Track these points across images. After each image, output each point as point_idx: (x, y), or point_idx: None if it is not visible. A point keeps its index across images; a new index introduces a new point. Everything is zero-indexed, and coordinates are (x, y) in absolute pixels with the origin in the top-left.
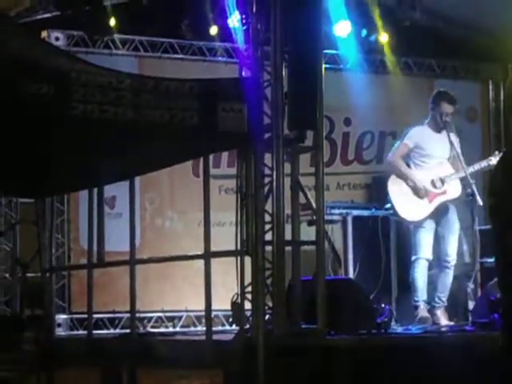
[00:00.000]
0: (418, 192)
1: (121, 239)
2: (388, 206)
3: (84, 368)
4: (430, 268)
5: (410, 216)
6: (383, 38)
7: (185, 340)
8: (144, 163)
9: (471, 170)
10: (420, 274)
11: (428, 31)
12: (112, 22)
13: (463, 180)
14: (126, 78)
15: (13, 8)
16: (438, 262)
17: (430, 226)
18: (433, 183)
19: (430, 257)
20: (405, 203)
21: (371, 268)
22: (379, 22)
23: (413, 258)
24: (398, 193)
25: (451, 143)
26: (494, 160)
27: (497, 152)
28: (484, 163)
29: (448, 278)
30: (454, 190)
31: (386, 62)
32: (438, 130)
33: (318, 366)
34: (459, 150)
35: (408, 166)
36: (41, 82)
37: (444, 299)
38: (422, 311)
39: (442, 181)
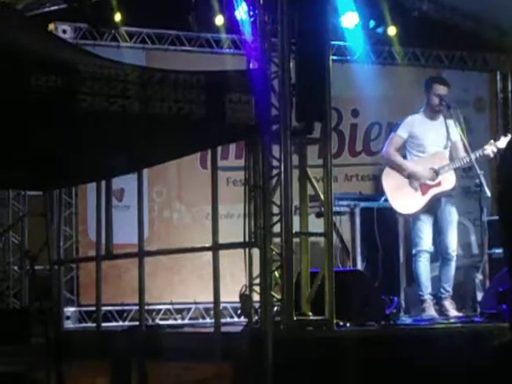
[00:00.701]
0: (412, 181)
1: (129, 231)
2: (384, 198)
3: (93, 360)
4: (433, 259)
5: (405, 209)
6: (391, 29)
7: (193, 332)
8: (152, 155)
9: (465, 160)
10: (422, 267)
11: (436, 22)
12: (117, 17)
13: (470, 170)
14: (133, 70)
15: (21, 1)
16: (439, 255)
17: (426, 217)
18: (428, 174)
19: (431, 248)
20: (399, 196)
21: (379, 259)
22: (387, 13)
23: (413, 251)
24: (392, 186)
25: (448, 130)
26: (488, 149)
27: (492, 141)
28: (479, 152)
29: (450, 269)
30: (448, 181)
31: (394, 53)
32: (434, 116)
33: (327, 357)
34: (458, 138)
35: (404, 157)
36: (48, 74)
37: (449, 289)
38: (428, 308)
39: (437, 172)
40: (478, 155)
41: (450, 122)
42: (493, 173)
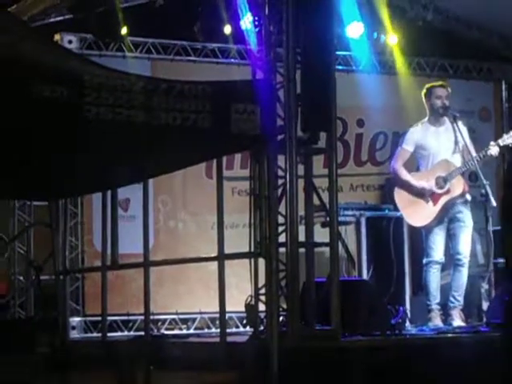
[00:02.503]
0: (423, 196)
1: (134, 241)
2: (389, 208)
3: (98, 370)
4: (444, 269)
5: (419, 222)
6: (393, 39)
7: (199, 342)
8: (157, 165)
9: (470, 163)
10: (433, 277)
11: (441, 32)
12: (124, 30)
13: (476, 180)
14: (138, 80)
15: (27, 11)
16: (450, 261)
17: (440, 227)
18: (436, 184)
19: (442, 258)
20: (412, 211)
21: (385, 269)
22: (388, 23)
23: (424, 260)
24: (404, 202)
25: (455, 134)
26: (493, 149)
27: (492, 142)
28: (483, 153)
29: (461, 276)
30: (456, 187)
31: (398, 63)
32: (439, 122)
33: (333, 367)
34: (468, 140)
35: (418, 169)
36: (54, 85)
37: (459, 298)
38: (435, 317)
39: (445, 180)
40: (482, 155)
41: (458, 125)
42: (498, 182)
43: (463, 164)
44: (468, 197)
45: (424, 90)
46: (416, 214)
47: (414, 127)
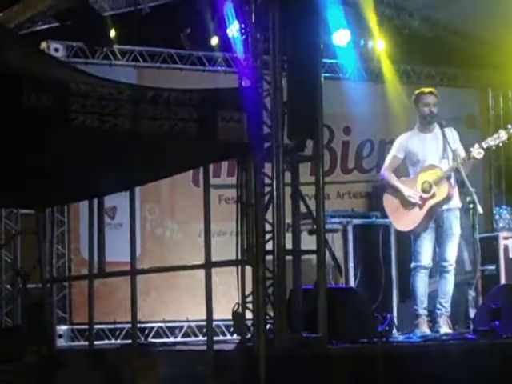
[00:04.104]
0: (408, 202)
1: (121, 249)
2: (376, 215)
3: (85, 379)
4: (431, 275)
5: (406, 226)
6: (380, 46)
7: (186, 350)
8: (144, 173)
9: (454, 166)
10: (420, 282)
11: (427, 39)
12: (112, 33)
13: (463, 187)
14: (125, 88)
15: (13, 19)
16: (437, 268)
17: (427, 232)
18: (422, 189)
19: (430, 264)
20: (399, 216)
21: (372, 276)
22: (375, 31)
23: (412, 265)
24: (392, 207)
25: (444, 140)
26: (474, 151)
27: (476, 145)
28: (467, 156)
29: (447, 283)
30: (441, 191)
31: (385, 71)
32: (428, 129)
33: (320, 375)
34: (458, 144)
35: (409, 176)
36: (40, 93)
37: (446, 305)
38: (422, 323)
39: (430, 184)
40: (466, 158)
41: (448, 131)
42: (486, 189)
43: (449, 168)
44: (458, 203)
45: (413, 96)
46: (403, 218)
47: (404, 134)
